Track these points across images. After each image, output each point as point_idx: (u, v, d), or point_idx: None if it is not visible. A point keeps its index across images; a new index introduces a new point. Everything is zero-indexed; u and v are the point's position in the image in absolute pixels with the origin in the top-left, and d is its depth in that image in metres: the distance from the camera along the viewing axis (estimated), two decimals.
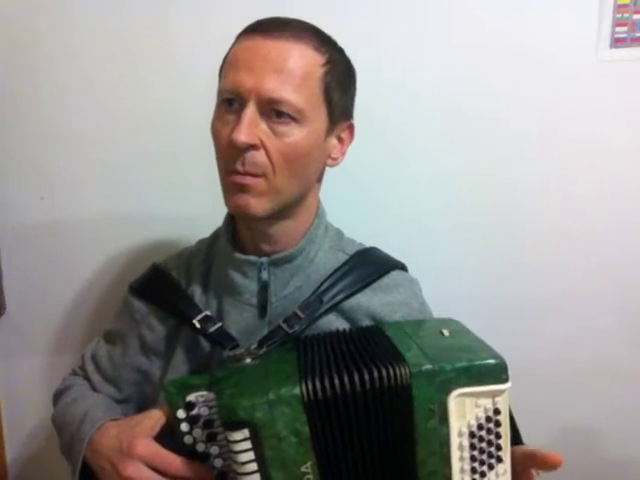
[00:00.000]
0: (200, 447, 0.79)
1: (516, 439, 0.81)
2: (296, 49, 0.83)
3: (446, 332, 0.84)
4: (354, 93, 0.95)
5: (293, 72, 0.82)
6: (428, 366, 0.74)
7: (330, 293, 0.93)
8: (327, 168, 0.96)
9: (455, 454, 0.75)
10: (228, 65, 0.87)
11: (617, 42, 1.24)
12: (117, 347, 1.03)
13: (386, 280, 1.00)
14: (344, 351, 0.80)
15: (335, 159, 0.94)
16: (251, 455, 0.72)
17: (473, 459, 0.75)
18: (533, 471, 0.79)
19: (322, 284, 0.94)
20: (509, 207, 1.33)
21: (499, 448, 0.76)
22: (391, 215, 1.34)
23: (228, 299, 0.95)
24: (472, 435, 0.75)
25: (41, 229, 1.35)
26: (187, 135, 1.29)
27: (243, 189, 0.84)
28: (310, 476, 0.73)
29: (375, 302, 0.97)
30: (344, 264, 0.98)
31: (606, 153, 1.31)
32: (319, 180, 0.96)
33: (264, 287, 0.94)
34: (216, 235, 1.04)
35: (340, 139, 0.93)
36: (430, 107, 1.29)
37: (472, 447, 0.75)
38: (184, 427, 0.79)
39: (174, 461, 0.78)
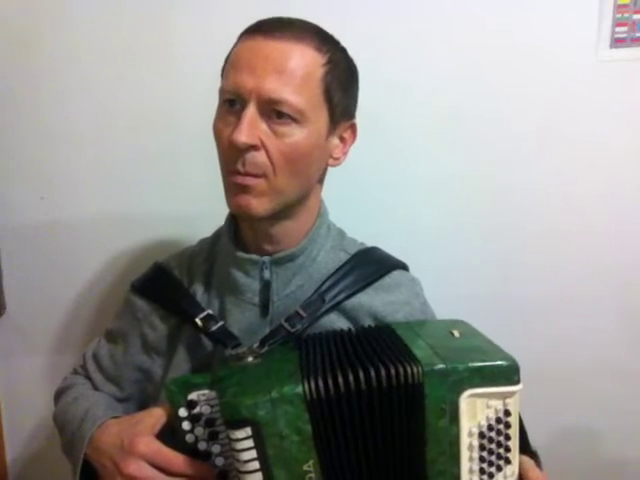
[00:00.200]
0: (202, 446, 0.80)
1: (524, 445, 0.81)
2: (297, 50, 0.83)
3: (456, 333, 0.84)
4: (356, 93, 0.95)
5: (294, 73, 0.82)
6: (441, 365, 0.74)
7: (332, 292, 0.94)
8: (329, 168, 0.96)
9: (465, 454, 0.75)
10: (230, 65, 0.87)
11: (617, 42, 1.25)
12: (118, 346, 1.03)
13: (388, 280, 1.00)
14: (348, 350, 0.80)
15: (337, 159, 0.94)
16: (253, 453, 0.72)
17: (482, 460, 0.76)
18: None
19: (324, 283, 0.94)
20: (509, 207, 1.33)
21: (508, 450, 0.77)
22: (392, 215, 1.34)
23: (230, 298, 0.95)
24: (482, 436, 0.75)
25: (41, 229, 1.35)
26: (187, 134, 1.29)
27: (244, 189, 0.85)
28: (312, 474, 0.74)
29: (377, 302, 0.97)
30: (346, 263, 0.98)
31: (606, 153, 1.31)
32: (321, 180, 0.96)
33: (266, 286, 0.94)
34: (218, 234, 1.04)
35: (342, 139, 0.93)
36: (430, 107, 1.29)
37: (481, 448, 0.76)
38: (186, 426, 0.79)
39: (176, 459, 0.79)
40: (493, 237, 1.35)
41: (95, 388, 1.03)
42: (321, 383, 0.73)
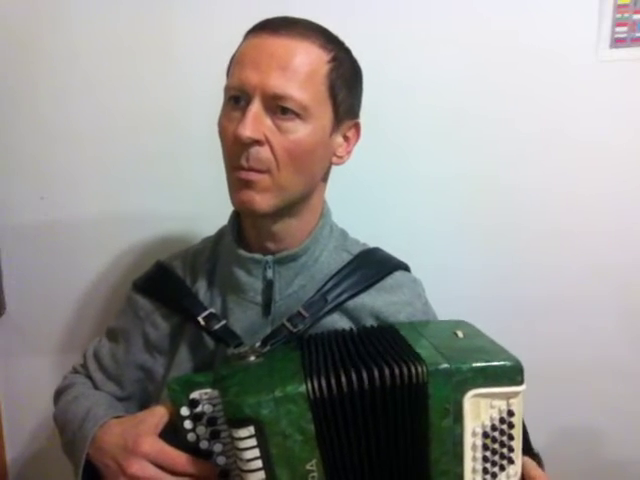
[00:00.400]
0: (203, 444, 0.80)
1: (526, 446, 0.81)
2: (302, 47, 0.84)
3: (460, 333, 0.84)
4: (360, 93, 0.95)
5: (299, 69, 0.83)
6: (445, 365, 0.74)
7: (334, 292, 0.94)
8: (331, 168, 0.96)
9: (468, 454, 0.75)
10: (235, 63, 0.87)
11: (617, 42, 1.25)
12: (120, 345, 1.02)
13: (390, 280, 1.00)
14: (351, 350, 0.80)
15: (340, 157, 0.94)
16: (256, 452, 0.72)
17: (485, 460, 0.76)
18: None
19: (326, 283, 0.94)
20: (511, 207, 1.33)
21: (511, 450, 0.77)
22: (394, 215, 1.34)
23: (232, 297, 0.95)
24: (485, 435, 0.76)
25: (41, 229, 1.35)
26: (188, 134, 1.29)
27: (248, 185, 0.85)
28: (315, 474, 0.74)
29: (379, 302, 0.97)
30: (348, 264, 0.98)
31: (606, 153, 1.31)
32: (324, 179, 0.97)
33: (269, 285, 0.94)
34: (221, 233, 1.04)
35: (346, 138, 0.94)
36: (432, 107, 1.29)
37: (485, 448, 0.76)
38: (187, 424, 0.79)
39: (179, 458, 0.79)
40: (495, 237, 1.35)
41: (96, 387, 1.03)
42: (324, 382, 0.73)
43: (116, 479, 0.80)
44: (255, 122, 0.81)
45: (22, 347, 1.40)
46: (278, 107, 0.82)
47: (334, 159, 0.93)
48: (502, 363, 0.75)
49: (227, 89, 0.87)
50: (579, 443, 1.45)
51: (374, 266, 1.00)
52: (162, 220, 1.35)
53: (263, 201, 0.85)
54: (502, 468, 0.77)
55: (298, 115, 0.83)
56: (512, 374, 0.75)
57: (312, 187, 0.92)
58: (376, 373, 0.74)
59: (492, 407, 0.75)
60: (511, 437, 0.76)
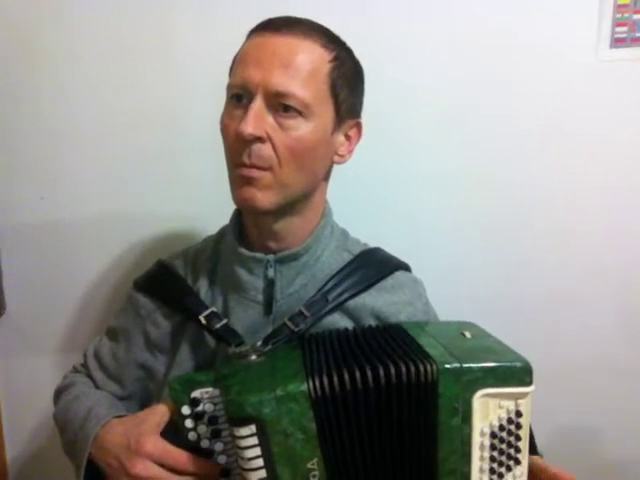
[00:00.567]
0: (204, 443, 0.80)
1: (531, 447, 0.81)
2: (304, 45, 0.84)
3: (467, 334, 0.84)
4: (362, 92, 0.96)
5: (301, 67, 0.83)
6: (455, 364, 0.74)
7: (335, 292, 0.94)
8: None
9: (476, 453, 0.76)
10: (238, 62, 0.88)
11: (617, 42, 1.25)
12: (121, 344, 1.02)
13: (390, 280, 1.00)
14: (354, 348, 0.80)
15: (342, 156, 0.94)
16: (258, 451, 0.72)
17: (492, 459, 0.76)
18: None
19: (327, 283, 0.94)
20: (510, 205, 1.34)
21: (518, 450, 0.77)
22: (394, 213, 1.34)
23: (233, 296, 0.95)
24: (493, 435, 0.76)
25: (42, 229, 1.35)
26: (189, 133, 1.29)
27: (249, 182, 0.85)
28: (316, 472, 0.74)
29: (380, 302, 0.97)
30: (349, 264, 0.98)
31: (606, 153, 1.31)
32: (326, 178, 0.97)
33: (270, 284, 0.94)
34: (223, 232, 1.04)
35: (347, 137, 0.94)
36: (432, 106, 1.29)
37: (492, 447, 0.76)
38: (189, 423, 0.79)
39: (182, 457, 0.79)
40: (494, 235, 1.35)
41: (96, 386, 1.03)
42: (326, 381, 0.73)
43: (119, 479, 0.80)
44: (257, 119, 0.82)
45: (22, 347, 1.40)
46: (280, 105, 0.83)
47: (336, 158, 0.94)
48: (512, 364, 0.75)
49: (229, 87, 0.87)
50: (577, 441, 1.45)
51: (375, 266, 1.00)
52: (163, 220, 1.35)
53: (264, 198, 0.85)
54: (509, 468, 0.77)
55: (300, 113, 0.83)
56: (521, 375, 0.75)
57: (314, 185, 0.93)
58: (381, 371, 0.74)
59: (500, 407, 0.75)
60: (518, 438, 0.76)
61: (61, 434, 0.97)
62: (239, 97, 0.85)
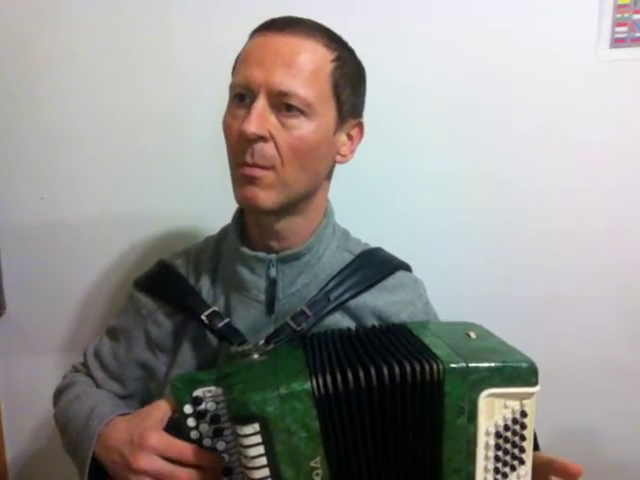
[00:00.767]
0: (206, 442, 0.79)
1: (534, 447, 0.81)
2: (307, 45, 0.85)
3: (473, 335, 0.84)
4: (364, 92, 0.96)
5: (303, 67, 0.83)
6: (462, 364, 0.74)
7: (337, 292, 0.94)
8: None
9: (481, 453, 0.76)
10: (240, 61, 0.88)
11: (617, 42, 1.25)
12: (121, 343, 1.02)
13: (391, 280, 1.01)
14: (357, 347, 0.80)
15: (344, 156, 0.95)
16: (261, 449, 0.72)
17: (497, 459, 0.76)
18: (553, 478, 0.80)
19: (329, 283, 0.95)
20: (510, 206, 1.34)
21: (522, 450, 0.77)
22: (394, 213, 1.34)
23: (235, 295, 0.95)
24: (498, 435, 0.76)
25: (41, 229, 1.35)
26: (188, 133, 1.29)
27: (252, 181, 0.85)
28: (319, 471, 0.73)
29: (381, 302, 0.97)
30: (350, 264, 0.98)
31: (606, 153, 1.31)
32: (328, 178, 0.97)
33: (272, 284, 0.94)
34: (224, 232, 1.04)
35: (350, 136, 0.94)
36: (432, 106, 1.30)
37: (497, 447, 0.76)
38: (191, 422, 0.79)
39: (186, 449, 0.79)
40: (494, 236, 1.35)
41: (97, 386, 1.03)
42: (329, 379, 0.73)
43: (124, 474, 0.80)
44: (260, 118, 0.82)
45: (22, 347, 1.40)
46: (283, 104, 0.83)
47: (338, 157, 0.94)
48: (518, 364, 0.75)
49: (232, 87, 0.87)
50: (578, 441, 1.45)
51: (376, 266, 1.01)
52: (163, 220, 1.35)
53: (267, 197, 0.85)
54: (513, 468, 0.77)
55: (302, 112, 0.84)
56: (527, 375, 0.75)
57: (316, 185, 0.93)
58: (385, 370, 0.74)
59: (506, 407, 0.76)
60: (523, 438, 0.77)
61: (62, 434, 0.97)
62: (242, 97, 0.85)
